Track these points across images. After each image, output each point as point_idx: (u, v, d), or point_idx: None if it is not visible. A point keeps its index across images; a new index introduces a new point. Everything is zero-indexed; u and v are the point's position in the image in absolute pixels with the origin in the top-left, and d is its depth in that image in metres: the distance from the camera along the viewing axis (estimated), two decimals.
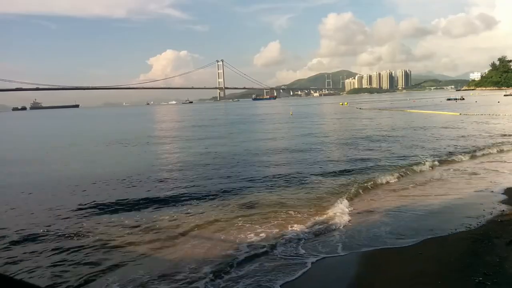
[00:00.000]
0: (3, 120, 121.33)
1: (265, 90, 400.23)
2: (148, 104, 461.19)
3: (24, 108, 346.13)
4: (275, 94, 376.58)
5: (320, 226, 8.76)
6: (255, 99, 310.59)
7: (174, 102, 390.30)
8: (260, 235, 8.34)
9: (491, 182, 12.29)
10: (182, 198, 11.73)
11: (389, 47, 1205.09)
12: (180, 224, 9.30)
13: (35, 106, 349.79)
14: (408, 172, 14.27)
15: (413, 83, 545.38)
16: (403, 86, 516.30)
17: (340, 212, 9.66)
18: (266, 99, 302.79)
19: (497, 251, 6.69)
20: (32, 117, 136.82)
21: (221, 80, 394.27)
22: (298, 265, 6.89)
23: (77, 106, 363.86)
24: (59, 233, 8.93)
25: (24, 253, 7.87)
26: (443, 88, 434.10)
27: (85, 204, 11.44)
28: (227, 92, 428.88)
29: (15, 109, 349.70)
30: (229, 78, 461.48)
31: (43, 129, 60.34)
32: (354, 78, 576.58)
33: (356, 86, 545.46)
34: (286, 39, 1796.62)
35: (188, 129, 42.89)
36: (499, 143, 20.58)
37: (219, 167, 16.83)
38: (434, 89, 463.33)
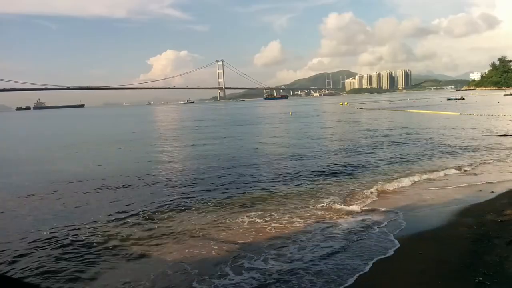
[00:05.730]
0: (13, 120, 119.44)
1: (265, 90, 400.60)
2: (150, 104, 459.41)
3: (28, 108, 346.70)
4: (285, 94, 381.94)
5: (320, 227, 8.77)
6: (266, 98, 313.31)
7: (186, 101, 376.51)
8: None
9: (491, 182, 12.28)
10: (196, 200, 11.75)
11: (390, 47, 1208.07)
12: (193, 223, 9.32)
13: (39, 106, 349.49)
14: (408, 173, 14.25)
15: (413, 83, 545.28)
16: (403, 86, 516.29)
17: (340, 213, 9.69)
18: (278, 98, 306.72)
19: (497, 251, 6.69)
20: (38, 117, 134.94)
21: (221, 80, 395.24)
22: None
23: (82, 106, 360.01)
24: (59, 232, 8.92)
25: (24, 252, 7.86)
26: (443, 88, 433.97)
27: (86, 204, 11.51)
28: (227, 92, 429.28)
29: (19, 108, 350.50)
30: (229, 78, 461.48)
31: (64, 129, 60.30)
32: (354, 78, 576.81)
33: (356, 86, 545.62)
34: (287, 39, 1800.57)
35: (194, 129, 42.97)
36: (499, 143, 20.57)
37: (225, 167, 16.87)
38: (434, 89, 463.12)
